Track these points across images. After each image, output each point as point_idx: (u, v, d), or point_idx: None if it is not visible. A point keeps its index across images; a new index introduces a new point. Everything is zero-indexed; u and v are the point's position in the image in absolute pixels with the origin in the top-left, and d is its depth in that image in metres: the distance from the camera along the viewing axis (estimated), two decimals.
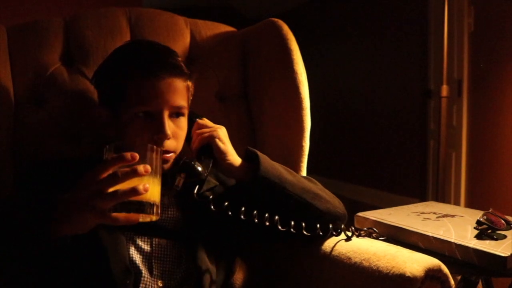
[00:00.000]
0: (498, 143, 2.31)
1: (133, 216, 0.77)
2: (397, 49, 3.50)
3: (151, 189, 0.76)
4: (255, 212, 0.96)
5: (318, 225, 1.02)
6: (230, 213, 0.95)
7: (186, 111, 1.03)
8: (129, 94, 0.98)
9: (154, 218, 0.78)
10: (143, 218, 0.78)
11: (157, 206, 0.78)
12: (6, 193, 1.11)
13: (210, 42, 1.34)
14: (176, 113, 1.01)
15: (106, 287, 0.90)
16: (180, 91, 1.01)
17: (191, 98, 1.07)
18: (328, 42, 4.44)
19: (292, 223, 0.98)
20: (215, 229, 1.04)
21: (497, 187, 2.32)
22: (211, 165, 1.00)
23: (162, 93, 0.97)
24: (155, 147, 0.80)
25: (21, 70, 1.18)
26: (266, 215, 0.96)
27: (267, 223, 0.96)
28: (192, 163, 0.97)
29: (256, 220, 0.96)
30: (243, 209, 0.96)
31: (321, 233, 1.02)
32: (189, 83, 1.04)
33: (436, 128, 2.49)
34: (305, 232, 1.00)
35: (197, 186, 0.97)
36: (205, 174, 0.98)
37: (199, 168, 0.97)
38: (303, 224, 0.99)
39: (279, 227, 0.97)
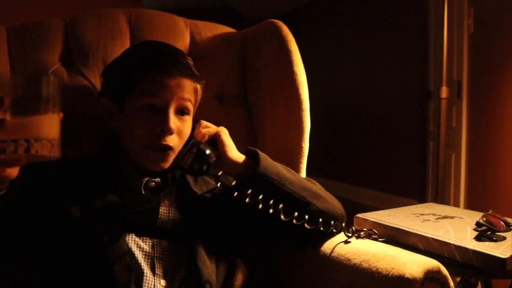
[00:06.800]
0: (498, 145, 2.31)
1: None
2: (397, 50, 3.50)
3: (21, 124, 0.63)
4: (271, 201, 0.98)
5: (320, 219, 1.02)
6: (247, 200, 0.97)
7: (191, 111, 1.03)
8: (135, 87, 0.99)
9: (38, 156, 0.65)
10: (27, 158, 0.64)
11: (33, 142, 0.64)
12: None
13: (210, 43, 1.34)
14: (181, 111, 1.01)
15: (108, 285, 0.91)
16: (188, 90, 1.02)
17: (198, 102, 1.08)
18: (328, 43, 4.44)
19: (296, 213, 0.99)
20: (215, 230, 1.04)
21: (497, 189, 2.32)
22: (216, 155, 1.02)
23: (169, 87, 0.98)
24: (47, 74, 0.66)
25: (20, 71, 1.18)
26: (281, 206, 0.98)
27: (282, 216, 0.98)
28: (201, 145, 0.99)
29: (271, 210, 0.97)
30: (260, 197, 0.97)
31: (322, 228, 1.02)
32: (198, 86, 1.05)
33: (436, 130, 2.49)
34: (306, 226, 1.00)
35: (206, 166, 0.99)
36: (214, 158, 1.00)
37: (207, 151, 0.99)
38: (306, 217, 1.00)
39: (281, 216, 0.98)
